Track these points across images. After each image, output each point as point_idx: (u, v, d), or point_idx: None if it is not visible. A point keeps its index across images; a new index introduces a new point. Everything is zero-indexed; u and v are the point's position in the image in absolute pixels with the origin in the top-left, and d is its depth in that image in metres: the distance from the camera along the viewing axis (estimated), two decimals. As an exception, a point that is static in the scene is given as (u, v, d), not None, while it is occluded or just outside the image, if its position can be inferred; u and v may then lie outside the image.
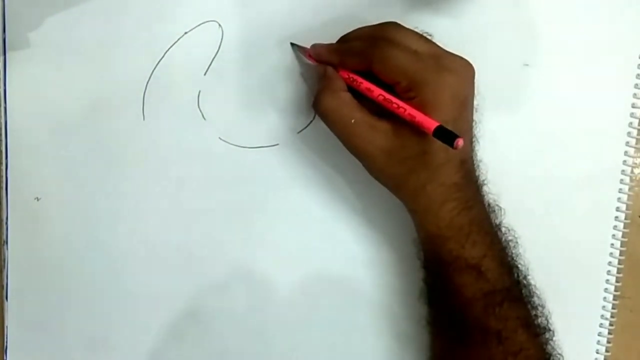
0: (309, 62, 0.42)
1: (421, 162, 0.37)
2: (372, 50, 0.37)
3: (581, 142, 0.44)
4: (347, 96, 0.39)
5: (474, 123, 0.40)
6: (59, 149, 0.45)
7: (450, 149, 0.35)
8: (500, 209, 0.41)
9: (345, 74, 0.39)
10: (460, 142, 0.34)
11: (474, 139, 0.40)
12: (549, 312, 0.40)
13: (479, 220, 0.39)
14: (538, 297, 0.40)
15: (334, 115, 0.38)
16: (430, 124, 0.35)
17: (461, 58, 0.38)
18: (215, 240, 0.46)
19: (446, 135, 0.35)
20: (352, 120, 0.38)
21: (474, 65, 0.38)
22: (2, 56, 0.44)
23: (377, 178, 0.40)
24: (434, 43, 0.39)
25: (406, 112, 0.36)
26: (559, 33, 0.43)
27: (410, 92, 0.37)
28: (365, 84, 0.38)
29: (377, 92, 0.37)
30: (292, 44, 0.43)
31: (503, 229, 0.40)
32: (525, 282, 0.40)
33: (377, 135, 0.38)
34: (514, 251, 0.40)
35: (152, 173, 0.45)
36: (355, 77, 0.39)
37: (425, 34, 0.39)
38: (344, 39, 0.40)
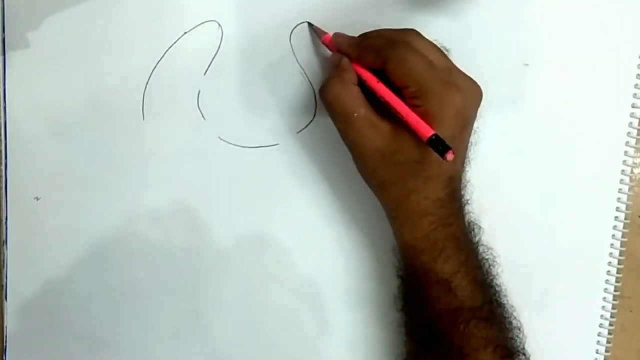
0: (324, 46, 0.42)
1: (412, 171, 0.37)
2: (390, 51, 0.37)
3: (581, 143, 0.44)
4: (355, 89, 0.39)
5: (470, 145, 0.40)
6: (59, 149, 0.45)
7: (444, 163, 0.35)
8: (480, 229, 0.41)
9: (358, 69, 0.39)
10: (450, 155, 0.34)
11: (466, 160, 0.40)
12: (526, 336, 0.40)
13: (455, 237, 0.38)
14: (515, 319, 0.40)
15: (339, 105, 0.38)
16: (427, 131, 0.35)
17: (472, 80, 0.38)
18: (214, 239, 0.46)
19: (439, 146, 0.35)
20: (355, 114, 0.38)
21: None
22: (2, 56, 0.44)
23: (365, 177, 0.40)
24: (449, 59, 0.39)
25: (408, 116, 0.36)
26: (559, 33, 0.43)
27: (417, 99, 0.37)
28: (375, 82, 0.38)
29: (385, 91, 0.37)
30: (310, 24, 0.43)
31: (481, 249, 0.40)
32: (498, 302, 0.40)
33: (376, 134, 0.38)
34: (490, 270, 0.40)
35: (152, 173, 0.45)
36: (367, 73, 0.39)
37: (443, 49, 0.39)
38: (364, 36, 0.40)
